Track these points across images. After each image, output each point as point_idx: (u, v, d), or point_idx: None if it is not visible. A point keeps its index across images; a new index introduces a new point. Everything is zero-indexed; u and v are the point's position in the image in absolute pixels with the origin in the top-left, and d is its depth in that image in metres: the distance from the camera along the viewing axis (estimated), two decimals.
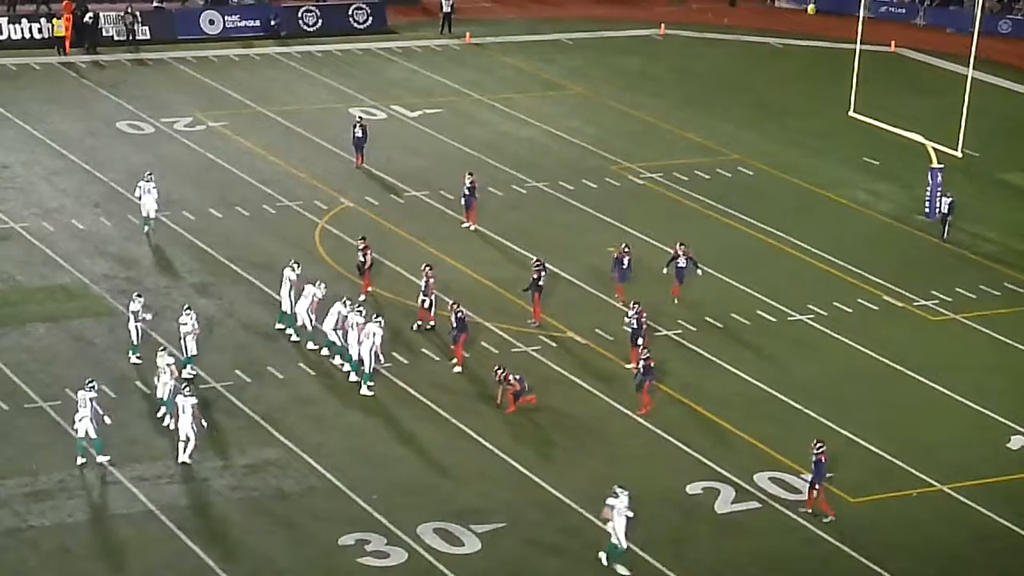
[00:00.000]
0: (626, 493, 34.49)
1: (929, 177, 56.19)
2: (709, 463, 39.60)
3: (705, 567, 35.55)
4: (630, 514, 34.49)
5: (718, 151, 62.65)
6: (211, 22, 75.73)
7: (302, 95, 67.67)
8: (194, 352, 42.16)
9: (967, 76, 54.97)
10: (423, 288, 45.52)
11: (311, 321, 43.86)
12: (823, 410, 42.37)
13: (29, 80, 68.28)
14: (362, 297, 46.50)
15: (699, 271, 48.02)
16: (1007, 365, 46.01)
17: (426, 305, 45.45)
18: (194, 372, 42.16)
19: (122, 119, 63.12)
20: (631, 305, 44.41)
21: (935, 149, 56.31)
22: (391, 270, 49.32)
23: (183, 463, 38.03)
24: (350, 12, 78.15)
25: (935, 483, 39.32)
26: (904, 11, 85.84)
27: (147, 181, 51.59)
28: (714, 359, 45.09)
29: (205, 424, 38.75)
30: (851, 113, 59.20)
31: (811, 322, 47.81)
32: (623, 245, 48.17)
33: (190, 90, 67.53)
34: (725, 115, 67.30)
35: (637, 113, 67.14)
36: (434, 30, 78.74)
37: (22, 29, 72.87)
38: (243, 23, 76.21)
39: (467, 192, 53.27)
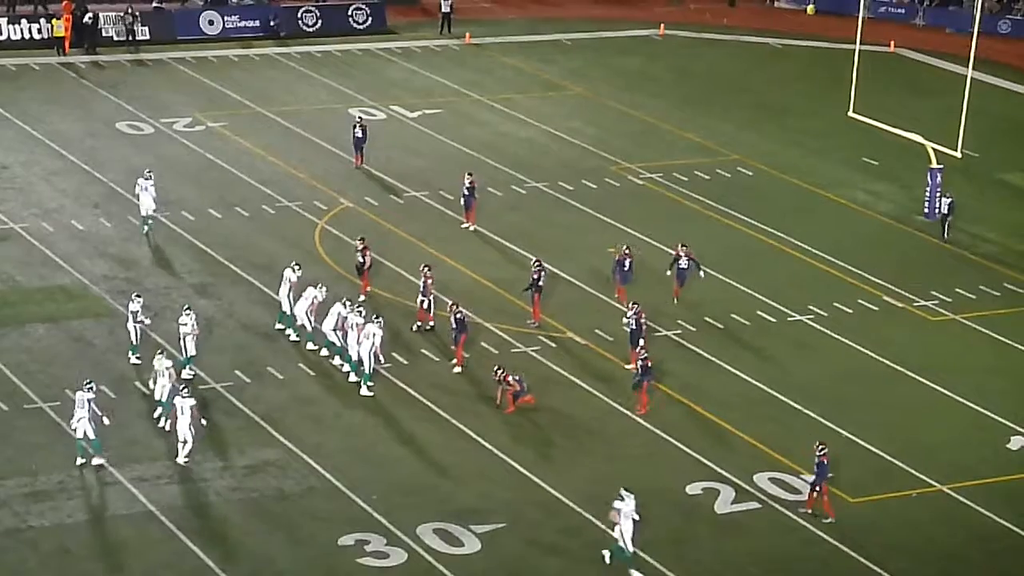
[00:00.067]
0: (632, 496, 34.45)
1: (928, 177, 56.20)
2: (709, 463, 39.60)
3: (705, 567, 35.55)
4: (636, 517, 34.46)
5: (718, 151, 62.65)
6: (210, 22, 75.74)
7: (301, 95, 67.67)
8: (193, 353, 42.16)
9: (967, 76, 54.96)
10: (422, 289, 45.53)
11: (310, 322, 43.85)
12: (823, 410, 42.37)
13: (29, 80, 68.29)
14: (362, 298, 46.49)
15: (702, 273, 47.99)
16: (1007, 366, 46.01)
17: (424, 306, 45.46)
18: (193, 372, 42.16)
19: (121, 119, 63.12)
20: (630, 306, 44.41)
21: (934, 149, 56.31)
22: (391, 271, 49.31)
23: (182, 463, 38.00)
24: (349, 12, 78.16)
25: (935, 483, 39.31)
26: (903, 11, 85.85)
27: (146, 179, 51.61)
28: (714, 359, 45.09)
29: (204, 423, 38.72)
30: (850, 113, 59.21)
31: (811, 322, 47.81)
32: (624, 247, 48.15)
33: (189, 90, 67.54)
34: (725, 115, 67.31)
35: (637, 113, 67.15)
36: (433, 30, 78.75)
37: (22, 29, 72.87)
38: (242, 23, 76.21)
39: (466, 192, 53.28)
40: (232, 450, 39.14)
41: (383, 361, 42.52)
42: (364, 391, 42.03)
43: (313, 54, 73.88)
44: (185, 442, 37.94)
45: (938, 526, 37.79)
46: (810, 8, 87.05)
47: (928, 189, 56.21)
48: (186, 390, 38.51)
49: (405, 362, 43.84)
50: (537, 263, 46.59)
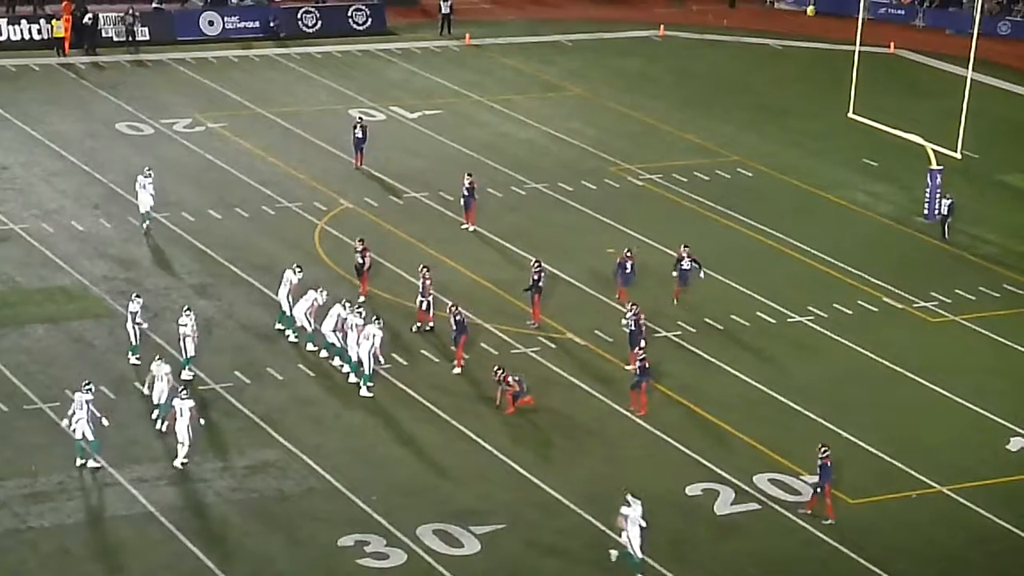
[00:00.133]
0: (639, 502, 34.42)
1: (928, 178, 56.22)
2: (708, 464, 39.60)
3: (704, 568, 35.55)
4: (643, 524, 34.42)
5: (717, 152, 62.66)
6: (210, 23, 75.75)
7: (301, 96, 67.68)
8: (192, 354, 42.16)
9: (966, 77, 54.95)
10: (421, 290, 45.53)
11: (310, 323, 43.85)
12: (823, 412, 42.37)
13: (28, 81, 68.29)
14: (361, 299, 46.49)
15: (702, 274, 47.98)
16: (1006, 367, 46.01)
17: (424, 307, 45.46)
18: (193, 373, 42.15)
19: (121, 120, 63.12)
20: (629, 307, 44.43)
21: (934, 150, 56.31)
22: (390, 271, 49.32)
23: (178, 466, 37.95)
24: (349, 13, 78.16)
25: (935, 485, 39.32)
26: (903, 12, 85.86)
27: (145, 177, 51.67)
28: (713, 360, 45.09)
29: (203, 423, 38.69)
30: (850, 114, 59.20)
31: (811, 323, 47.81)
32: (626, 250, 48.13)
33: (189, 91, 67.54)
34: (724, 116, 67.31)
35: (636, 114, 67.15)
36: (433, 31, 78.76)
37: (21, 30, 72.87)
38: (242, 24, 76.22)
39: (466, 193, 53.28)
40: (232, 451, 39.14)
41: (383, 362, 42.52)
42: (364, 392, 42.03)
43: (313, 55, 73.89)
44: (182, 444, 37.91)
45: (938, 527, 37.79)
46: (810, 9, 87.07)
47: (928, 190, 56.23)
48: (185, 391, 38.49)
49: (405, 363, 43.84)
50: (537, 264, 46.59)
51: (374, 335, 41.78)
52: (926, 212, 56.26)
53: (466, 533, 36.15)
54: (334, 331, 42.91)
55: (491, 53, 76.04)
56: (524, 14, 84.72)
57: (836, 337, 46.94)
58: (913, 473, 39.74)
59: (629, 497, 34.55)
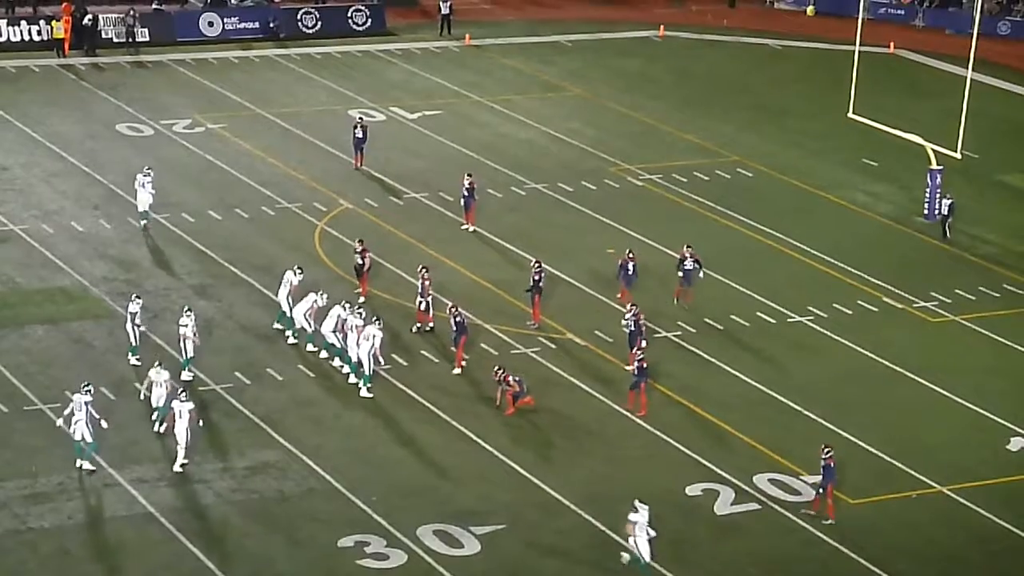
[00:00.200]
0: (646, 508, 34.39)
1: (928, 178, 56.22)
2: (708, 464, 39.60)
3: (704, 568, 35.55)
4: (652, 533, 34.36)
5: (717, 152, 62.66)
6: (210, 24, 75.75)
7: (301, 97, 67.69)
8: (192, 354, 42.15)
9: (966, 77, 54.96)
10: (419, 290, 45.53)
11: (309, 324, 43.85)
12: (822, 412, 42.37)
13: (28, 82, 68.29)
14: (361, 299, 46.49)
15: (701, 274, 47.94)
16: (1006, 367, 46.01)
17: (423, 307, 45.46)
18: (193, 374, 42.15)
19: (121, 121, 63.12)
20: (628, 307, 44.45)
21: (934, 150, 56.31)
22: (390, 272, 49.32)
23: (177, 470, 37.91)
24: (349, 14, 78.16)
25: (935, 485, 39.32)
26: (903, 12, 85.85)
27: (144, 176, 51.71)
28: (713, 360, 45.09)
29: (201, 425, 38.65)
30: (850, 114, 59.21)
31: (810, 323, 47.81)
32: (628, 251, 48.10)
33: (189, 92, 67.55)
34: (724, 117, 67.32)
35: (636, 114, 67.16)
36: (433, 32, 78.76)
37: (21, 31, 72.88)
38: (242, 25, 76.23)
39: (466, 193, 53.28)
40: (232, 452, 39.14)
41: (382, 363, 42.51)
42: (364, 393, 42.03)
43: (313, 56, 73.90)
44: (181, 446, 37.82)
45: (938, 527, 37.79)
46: (810, 9, 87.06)
47: (928, 190, 56.23)
48: (184, 394, 38.45)
49: (405, 364, 43.84)
50: (537, 264, 46.59)
51: (374, 336, 41.78)
52: (926, 212, 56.26)
53: (466, 534, 36.15)
54: (334, 332, 42.91)
55: (491, 53, 76.04)
56: (524, 15, 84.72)
57: (836, 337, 46.93)
58: (913, 473, 39.74)
59: (637, 503, 34.52)
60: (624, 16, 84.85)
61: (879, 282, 50.78)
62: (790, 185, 59.62)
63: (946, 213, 54.83)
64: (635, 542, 34.44)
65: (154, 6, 76.19)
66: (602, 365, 44.37)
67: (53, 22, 71.89)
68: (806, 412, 42.46)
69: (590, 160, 61.21)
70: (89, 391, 37.72)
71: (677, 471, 39.28)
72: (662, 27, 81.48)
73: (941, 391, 44.08)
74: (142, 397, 40.00)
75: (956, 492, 39.04)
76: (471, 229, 53.29)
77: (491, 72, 72.92)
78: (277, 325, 45.08)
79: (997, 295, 50.46)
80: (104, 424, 37.95)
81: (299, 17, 77.11)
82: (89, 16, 72.29)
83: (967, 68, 55.09)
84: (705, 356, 45.32)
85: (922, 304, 49.49)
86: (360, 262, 47.35)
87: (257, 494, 37.41)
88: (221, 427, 40.17)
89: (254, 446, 39.44)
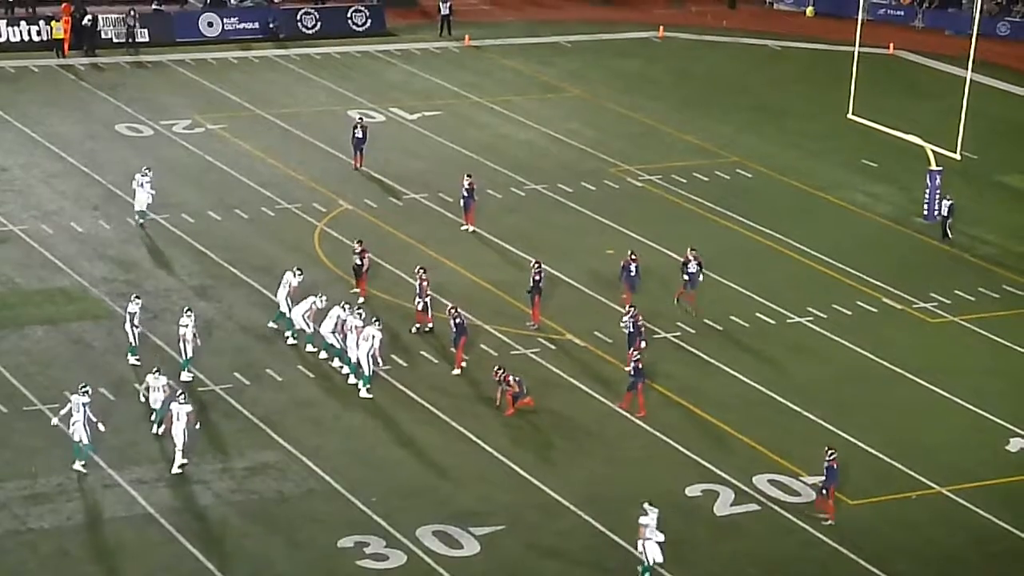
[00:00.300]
0: (656, 510, 34.36)
1: (928, 179, 56.23)
2: (708, 465, 39.60)
3: (704, 569, 35.55)
4: (660, 538, 34.32)
5: (717, 153, 62.66)
6: (210, 24, 75.74)
7: (301, 98, 67.68)
8: (191, 355, 42.14)
9: (966, 78, 54.98)
10: (418, 291, 45.53)
11: (308, 325, 43.84)
12: (822, 412, 42.37)
13: (28, 83, 68.28)
14: (361, 300, 46.50)
15: (700, 277, 47.82)
16: (1006, 368, 46.01)
17: (420, 307, 45.45)
18: (192, 375, 42.14)
19: (121, 122, 63.11)
20: (627, 308, 44.48)
21: (934, 151, 56.32)
22: (390, 273, 49.32)
23: (176, 472, 37.88)
24: (349, 15, 78.16)
25: (934, 485, 39.32)
26: (903, 13, 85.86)
27: (143, 176, 51.74)
28: (713, 361, 45.09)
29: (199, 427, 38.61)
30: (850, 115, 59.22)
31: (810, 324, 47.81)
32: (630, 252, 48.07)
33: (189, 93, 67.54)
34: (724, 117, 67.32)
35: (636, 115, 67.16)
36: (433, 33, 78.76)
37: (21, 31, 72.88)
38: (242, 26, 76.22)
39: (466, 194, 53.27)
40: (231, 452, 39.14)
41: (381, 364, 42.50)
42: (363, 393, 42.03)
43: (312, 56, 73.89)
44: (179, 449, 37.78)
45: (937, 528, 37.79)
46: (809, 10, 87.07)
47: (927, 191, 56.24)
48: (183, 396, 38.42)
49: (404, 364, 43.84)
50: (536, 265, 46.59)
51: (373, 336, 41.78)
52: (925, 213, 56.27)
53: (466, 534, 36.15)
54: (333, 332, 42.90)
55: (490, 54, 76.04)
56: (523, 15, 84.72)
57: (835, 338, 46.94)
58: (912, 474, 39.74)
59: (646, 506, 34.50)
60: (624, 17, 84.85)
61: (878, 283, 50.79)
62: (790, 186, 59.63)
63: (946, 214, 54.82)
64: (642, 544, 34.39)
65: (154, 6, 76.16)
66: (602, 366, 44.37)
67: (53, 22, 71.89)
68: (805, 413, 42.46)
69: (590, 161, 61.21)
70: (87, 392, 37.70)
71: (677, 472, 39.28)
72: (662, 28, 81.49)
73: (941, 392, 44.08)
74: (142, 399, 39.98)
75: (955, 493, 39.05)
76: (471, 230, 53.29)
77: (491, 73, 72.93)
78: (273, 324, 45.08)
79: (996, 296, 50.47)
80: (101, 427, 37.92)
81: (299, 17, 77.11)
82: (89, 16, 72.28)
83: (966, 69, 55.10)
84: (705, 357, 45.32)
85: (921, 305, 49.50)
86: (359, 263, 47.35)
87: (257, 495, 37.40)
88: (220, 428, 40.17)
89: (253, 447, 39.44)
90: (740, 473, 39.21)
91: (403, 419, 41.17)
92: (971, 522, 38.00)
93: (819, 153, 63.31)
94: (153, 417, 39.47)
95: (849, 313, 48.67)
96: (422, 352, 44.57)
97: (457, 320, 43.40)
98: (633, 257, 47.75)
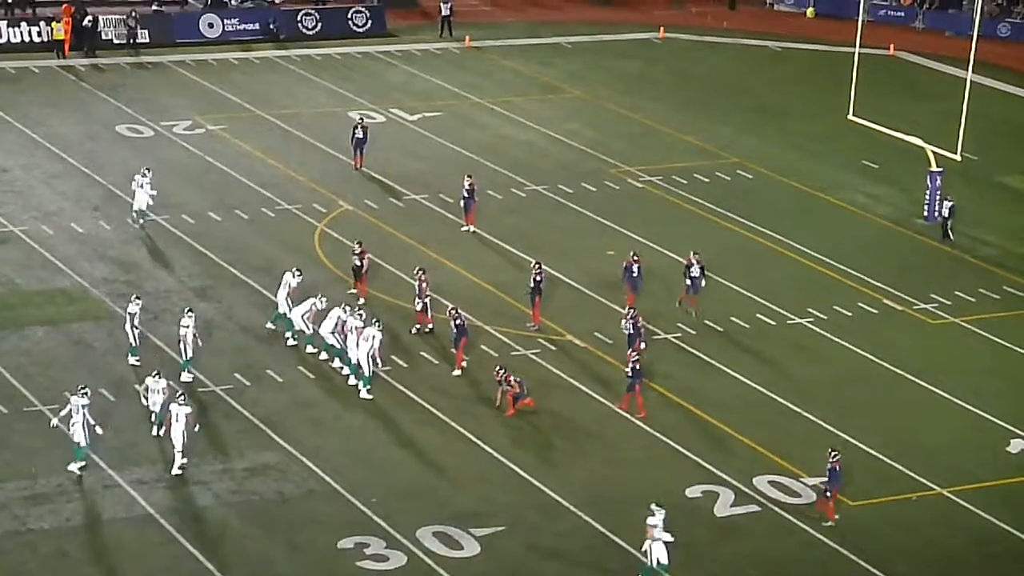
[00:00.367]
0: (663, 511, 34.33)
1: (928, 180, 56.22)
2: (708, 466, 39.59)
3: (704, 570, 35.53)
4: (668, 538, 34.30)
5: (717, 154, 62.66)
6: (210, 25, 75.75)
7: (301, 98, 67.68)
8: (191, 355, 42.13)
9: (966, 79, 54.98)
10: (417, 292, 45.52)
11: (308, 326, 43.82)
12: (822, 414, 42.36)
13: (28, 83, 68.29)
14: (361, 301, 46.50)
15: (703, 281, 47.71)
16: (1006, 369, 46.01)
17: (420, 308, 45.44)
18: (192, 376, 42.13)
19: (121, 122, 63.11)
20: (626, 309, 44.47)
21: (934, 152, 56.31)
22: (390, 273, 49.31)
23: (176, 473, 37.86)
24: (349, 16, 78.16)
25: (934, 487, 39.30)
26: (903, 14, 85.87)
27: (143, 176, 51.75)
28: (713, 362, 45.07)
29: (198, 429, 38.57)
30: (850, 116, 59.22)
31: (810, 325, 47.80)
32: (632, 253, 48.04)
33: (189, 93, 67.54)
34: (724, 118, 67.32)
35: (636, 116, 67.16)
36: (433, 34, 78.77)
37: (21, 32, 72.88)
38: (242, 27, 76.24)
39: (466, 195, 53.27)
40: (231, 453, 39.13)
41: (380, 364, 42.47)
42: (363, 394, 42.02)
43: (313, 57, 73.90)
44: (178, 450, 37.74)
45: (937, 529, 37.78)
46: (810, 11, 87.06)
47: (928, 192, 56.23)
48: (182, 397, 38.39)
49: (404, 365, 43.83)
50: (537, 266, 46.59)
51: (374, 336, 41.77)
52: (926, 214, 56.25)
53: (466, 535, 36.13)
54: (332, 333, 42.89)
55: (491, 55, 76.05)
56: (524, 16, 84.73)
57: (836, 339, 46.93)
58: (913, 475, 39.73)
59: (653, 507, 34.47)
60: (624, 18, 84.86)
61: (879, 284, 50.78)
62: (790, 187, 59.62)
63: (947, 215, 54.81)
64: (649, 545, 34.35)
65: (154, 7, 76.16)
66: (602, 367, 44.36)
67: (53, 23, 71.89)
68: (806, 414, 42.45)
69: (590, 162, 61.21)
70: (85, 394, 37.66)
71: (677, 473, 39.27)
72: (662, 29, 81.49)
73: (941, 393, 44.07)
74: (142, 401, 39.96)
75: (956, 494, 39.03)
76: (471, 230, 53.28)
77: (491, 74, 72.93)
78: (270, 325, 45.07)
79: (997, 297, 50.46)
80: (99, 430, 37.86)
81: (299, 18, 77.11)
82: (89, 17, 72.29)
83: (967, 70, 55.10)
84: (705, 358, 45.31)
85: (922, 306, 49.49)
86: (358, 263, 47.33)
87: (257, 496, 37.39)
88: (221, 428, 40.16)
89: (254, 448, 39.43)
90: (740, 474, 39.20)
91: (403, 420, 41.16)
92: (971, 523, 37.99)
93: (819, 154, 63.31)
94: (153, 419, 39.44)
95: (849, 314, 48.66)
96: (422, 353, 44.56)
97: (458, 321, 43.39)
98: (635, 258, 47.72)
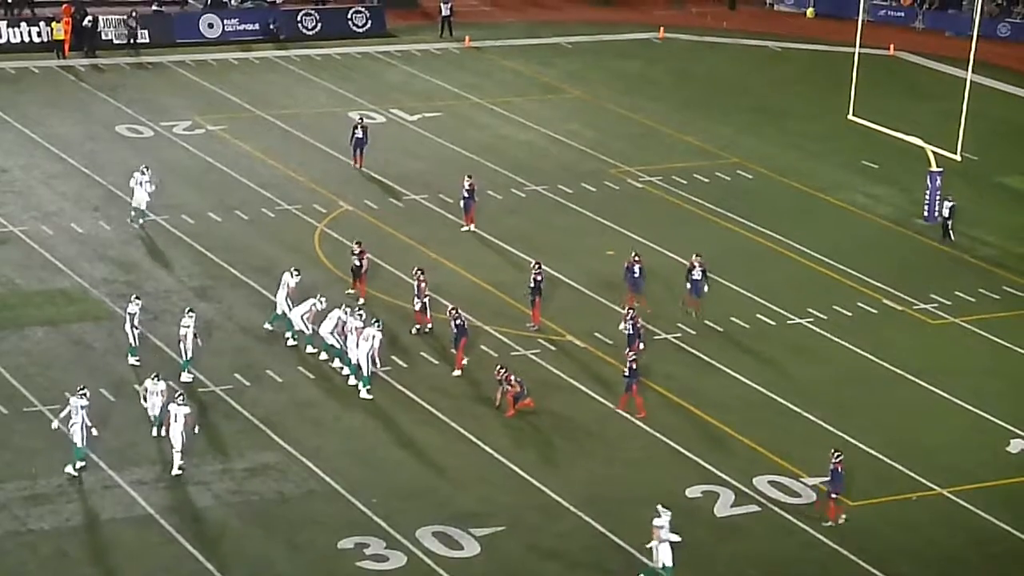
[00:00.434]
0: (669, 513, 34.31)
1: (928, 181, 56.22)
2: (708, 467, 39.59)
3: (705, 570, 35.52)
4: (675, 538, 34.30)
5: (717, 154, 62.65)
6: (210, 26, 75.74)
7: (301, 99, 67.68)
8: (191, 356, 42.12)
9: (966, 79, 54.98)
10: (416, 292, 45.52)
11: (307, 326, 43.81)
12: (822, 414, 42.36)
13: (28, 84, 68.29)
14: (361, 301, 46.49)
15: (706, 287, 47.57)
16: (1006, 369, 46.00)
17: (419, 308, 45.43)
18: (192, 376, 42.13)
19: (121, 123, 63.11)
20: (626, 310, 44.48)
21: (934, 152, 56.31)
22: (390, 274, 49.31)
23: (176, 474, 37.84)
24: (349, 16, 78.15)
25: (934, 487, 39.30)
26: (903, 14, 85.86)
27: (142, 174, 51.77)
28: (713, 362, 45.07)
29: (197, 431, 38.56)
30: (850, 116, 59.22)
31: (810, 326, 47.80)
32: (633, 254, 48.02)
33: (189, 94, 67.54)
34: (724, 118, 67.32)
35: (636, 116, 67.15)
36: (433, 34, 78.76)
37: (21, 33, 72.88)
38: (242, 27, 76.23)
39: (466, 195, 53.27)
40: (231, 453, 39.12)
41: (379, 364, 42.44)
42: (363, 394, 42.01)
43: (313, 57, 73.89)
44: (176, 451, 37.72)
45: (937, 529, 37.78)
46: (810, 11, 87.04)
47: (928, 192, 56.23)
48: (181, 398, 38.37)
49: (404, 365, 43.83)
50: (537, 266, 46.58)
51: (373, 336, 41.77)
52: (926, 214, 56.25)
53: (466, 536, 36.13)
54: (332, 333, 42.88)
55: (491, 55, 76.04)
56: (524, 16, 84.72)
57: (836, 339, 46.92)
58: (913, 475, 39.73)
59: (660, 508, 34.45)
60: (624, 18, 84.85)
61: (879, 284, 50.78)
62: (790, 187, 59.62)
63: (947, 215, 54.80)
64: (655, 546, 34.33)
65: (154, 7, 76.17)
66: (602, 367, 44.35)
67: (53, 23, 71.89)
68: (806, 414, 42.45)
69: (590, 162, 61.21)
70: (84, 395, 37.64)
71: (677, 473, 39.26)
72: (662, 29, 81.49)
73: (941, 393, 44.07)
74: (142, 402, 39.93)
75: (956, 494, 39.03)
76: (471, 229, 53.26)
77: (491, 74, 72.93)
78: (268, 326, 45.05)
79: (997, 297, 50.46)
80: (95, 432, 37.79)
81: (299, 19, 77.11)
82: (89, 18, 72.29)
83: (967, 70, 55.10)
84: (705, 358, 45.31)
85: (922, 306, 49.48)
86: (358, 264, 47.33)
87: (257, 496, 37.39)
88: (221, 429, 40.15)
89: (254, 448, 39.43)
90: (740, 474, 39.20)
91: (403, 420, 41.16)
92: (971, 523, 37.99)
93: (819, 154, 63.31)
94: (153, 421, 39.40)
95: (849, 314, 48.66)
96: (422, 353, 44.56)
97: (458, 321, 43.39)
98: (636, 258, 47.68)
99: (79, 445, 37.47)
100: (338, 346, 42.89)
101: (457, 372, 43.47)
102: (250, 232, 52.76)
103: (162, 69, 71.18)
